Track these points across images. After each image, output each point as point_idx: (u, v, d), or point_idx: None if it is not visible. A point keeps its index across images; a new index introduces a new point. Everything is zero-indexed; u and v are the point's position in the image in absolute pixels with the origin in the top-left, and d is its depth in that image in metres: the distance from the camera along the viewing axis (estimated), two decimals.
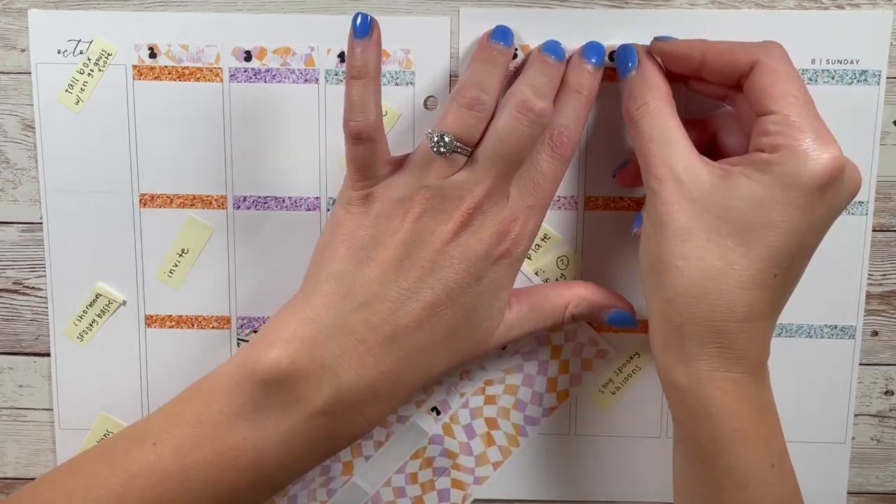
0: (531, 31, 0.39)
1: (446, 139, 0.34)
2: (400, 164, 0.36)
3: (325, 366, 0.34)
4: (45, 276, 0.42)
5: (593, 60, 0.37)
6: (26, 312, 0.43)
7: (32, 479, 0.44)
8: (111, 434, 0.43)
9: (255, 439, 0.34)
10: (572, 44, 0.39)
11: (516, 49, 0.39)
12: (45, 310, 0.42)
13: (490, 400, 0.42)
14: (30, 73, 0.40)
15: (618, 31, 0.39)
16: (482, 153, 0.35)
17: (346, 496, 0.43)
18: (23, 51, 0.40)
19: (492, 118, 0.35)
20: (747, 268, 0.33)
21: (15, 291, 0.42)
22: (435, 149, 0.34)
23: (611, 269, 0.41)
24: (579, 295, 0.39)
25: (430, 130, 0.35)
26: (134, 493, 0.34)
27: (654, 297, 0.35)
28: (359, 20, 0.35)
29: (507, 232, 0.35)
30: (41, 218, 0.41)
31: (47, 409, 0.43)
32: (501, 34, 0.37)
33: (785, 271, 0.34)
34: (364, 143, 0.35)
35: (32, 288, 0.42)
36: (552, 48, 0.37)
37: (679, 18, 0.39)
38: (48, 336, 0.42)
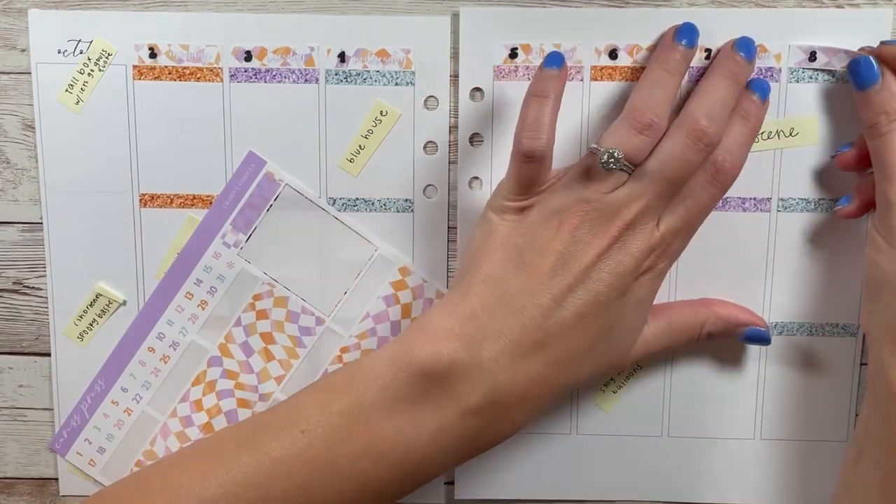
0: (531, 31, 0.39)
1: (616, 156, 0.34)
2: (558, 176, 0.36)
3: (481, 366, 0.34)
4: (45, 276, 0.42)
5: (757, 94, 0.37)
6: (26, 312, 0.42)
7: (32, 479, 0.44)
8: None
9: (408, 433, 0.34)
10: (570, 43, 0.39)
11: (516, 48, 0.39)
12: (45, 310, 0.42)
13: (262, 315, 0.42)
14: (30, 73, 0.40)
15: (618, 31, 0.39)
16: (646, 172, 0.35)
17: (137, 427, 0.42)
18: (23, 51, 0.40)
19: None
20: None
21: (15, 291, 0.42)
22: (605, 165, 0.34)
23: None
24: (716, 313, 0.39)
25: (596, 146, 0.35)
26: (279, 480, 0.34)
27: (881, 309, 0.35)
28: (552, 56, 0.36)
29: (654, 248, 0.36)
30: (41, 218, 0.41)
31: (47, 409, 0.43)
32: (687, 33, 0.37)
33: None
34: (533, 162, 0.35)
35: (32, 288, 0.42)
36: (744, 46, 0.37)
37: (679, 18, 0.39)
38: (48, 336, 0.42)
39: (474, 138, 0.40)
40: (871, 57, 0.37)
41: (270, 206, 0.41)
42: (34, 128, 0.41)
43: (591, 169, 0.35)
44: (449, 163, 0.41)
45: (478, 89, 0.40)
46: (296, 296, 0.42)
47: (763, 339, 0.40)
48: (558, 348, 0.35)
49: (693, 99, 0.36)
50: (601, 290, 0.35)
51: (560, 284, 0.35)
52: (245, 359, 0.42)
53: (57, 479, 0.44)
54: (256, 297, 0.42)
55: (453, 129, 0.40)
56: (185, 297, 0.42)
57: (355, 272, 0.41)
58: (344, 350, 0.42)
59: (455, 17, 0.40)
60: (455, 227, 0.41)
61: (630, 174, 0.35)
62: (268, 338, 0.42)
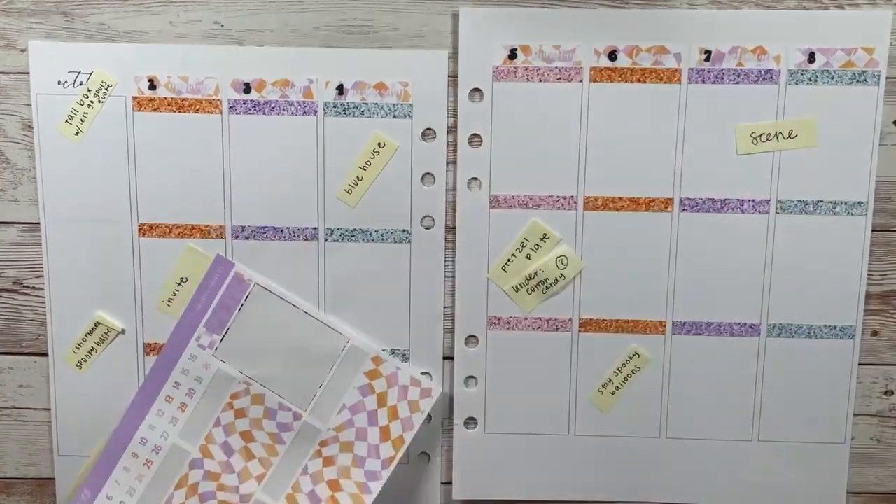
0: (531, 31, 0.39)
1: None
2: None
3: None
4: (44, 276, 0.42)
5: None
6: (26, 312, 0.43)
7: (32, 479, 0.44)
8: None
9: None
10: (570, 44, 0.39)
11: (515, 49, 0.39)
12: (45, 310, 0.42)
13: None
14: (29, 73, 0.40)
15: (618, 31, 0.39)
16: None
17: None
18: (23, 51, 0.40)
19: None
20: None
21: (15, 291, 0.42)
22: None
23: (610, 269, 0.41)
24: None
25: None
26: None
27: None
28: None
29: None
30: (40, 225, 0.41)
31: (47, 409, 0.43)
32: None
33: None
34: None
35: (32, 288, 0.42)
36: None
37: (679, 18, 0.39)
38: (48, 336, 0.42)
39: (474, 139, 0.40)
40: None
41: (241, 305, 0.41)
42: (34, 127, 0.41)
43: None
44: (448, 162, 0.41)
45: (477, 90, 0.40)
46: (272, 392, 0.42)
47: None
48: None
49: None
50: None
51: None
52: (226, 459, 0.42)
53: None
54: (234, 396, 0.42)
55: (452, 129, 0.41)
56: (166, 400, 0.42)
57: (329, 364, 0.42)
58: (323, 444, 0.42)
59: (455, 17, 0.40)
60: (454, 227, 0.41)
61: None
62: (247, 436, 0.42)
